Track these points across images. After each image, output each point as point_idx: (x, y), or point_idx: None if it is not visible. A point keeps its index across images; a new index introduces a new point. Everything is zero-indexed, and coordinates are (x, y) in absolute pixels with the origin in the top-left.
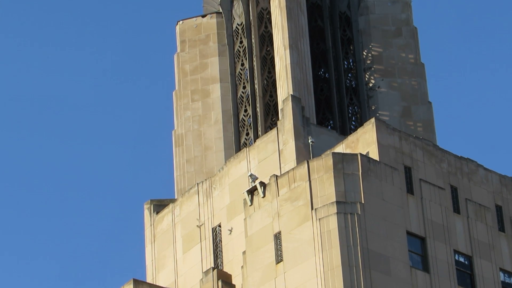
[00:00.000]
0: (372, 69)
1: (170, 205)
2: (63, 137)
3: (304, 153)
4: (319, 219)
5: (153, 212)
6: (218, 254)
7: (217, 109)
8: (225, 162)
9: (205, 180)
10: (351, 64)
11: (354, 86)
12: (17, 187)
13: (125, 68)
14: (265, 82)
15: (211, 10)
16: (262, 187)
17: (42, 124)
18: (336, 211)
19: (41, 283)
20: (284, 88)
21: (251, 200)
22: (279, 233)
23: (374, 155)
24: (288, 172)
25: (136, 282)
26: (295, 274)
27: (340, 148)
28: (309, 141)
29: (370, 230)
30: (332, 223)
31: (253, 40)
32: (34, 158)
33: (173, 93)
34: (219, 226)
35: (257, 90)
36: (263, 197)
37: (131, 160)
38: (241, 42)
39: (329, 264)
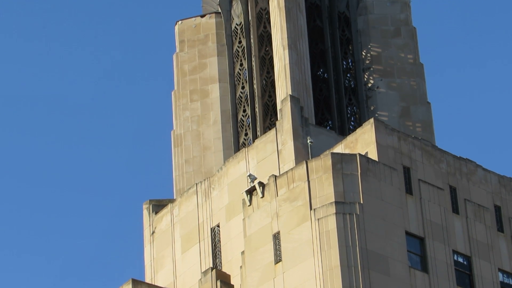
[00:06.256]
0: (371, 69)
1: (169, 205)
2: (62, 137)
3: (303, 153)
4: (318, 219)
5: (152, 212)
6: (217, 254)
7: (216, 109)
8: (224, 162)
9: (204, 180)
10: (350, 64)
11: (353, 86)
12: (16, 186)
13: (124, 68)
14: (264, 82)
15: (210, 10)
16: (261, 187)
17: (41, 124)
18: (335, 212)
19: (40, 282)
20: (283, 88)
21: (250, 200)
22: (278, 233)
23: (373, 155)
24: (287, 172)
25: (134, 282)
26: (294, 274)
27: (339, 149)
28: (308, 141)
29: (369, 230)
30: (331, 223)
31: (252, 40)
32: (33, 157)
33: (172, 93)
34: (218, 226)
35: (256, 90)
36: (262, 197)
37: (130, 160)
38: (240, 42)
39: (328, 264)
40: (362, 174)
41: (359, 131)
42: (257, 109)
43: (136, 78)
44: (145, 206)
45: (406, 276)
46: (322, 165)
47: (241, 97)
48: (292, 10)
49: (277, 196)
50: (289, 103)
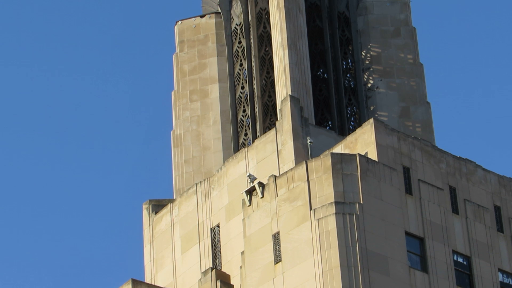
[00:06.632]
0: (371, 69)
1: (169, 205)
2: (62, 137)
3: (303, 154)
4: (318, 219)
5: (152, 212)
6: (216, 254)
7: (216, 109)
8: (224, 162)
9: (204, 180)
10: (350, 64)
11: (352, 86)
12: (16, 186)
13: (123, 68)
14: (264, 82)
15: (210, 10)
16: (260, 188)
17: (41, 124)
18: (334, 212)
19: (40, 282)
20: (282, 89)
21: (250, 201)
22: (278, 233)
23: (373, 155)
24: (286, 172)
25: (134, 282)
26: (294, 275)
27: (339, 149)
28: (308, 141)
29: (369, 230)
30: (331, 223)
31: (251, 41)
32: (33, 157)
33: (172, 93)
34: (218, 226)
35: (255, 91)
36: (261, 197)
37: (130, 160)
38: (239, 42)
39: (327, 264)
40: (362, 174)
41: (358, 131)
42: (256, 109)
43: (136, 78)
44: (144, 206)
45: (406, 276)
46: (322, 165)
47: (241, 97)
48: (292, 10)
49: (277, 196)
50: (289, 103)
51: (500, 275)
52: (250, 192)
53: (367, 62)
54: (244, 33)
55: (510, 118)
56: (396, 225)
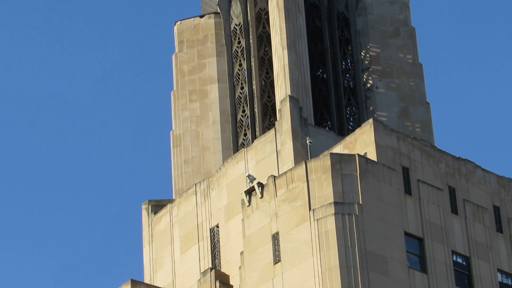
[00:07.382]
0: (370, 69)
1: (168, 206)
2: (62, 137)
3: (302, 154)
4: (317, 219)
5: (151, 212)
6: (216, 254)
7: (215, 109)
8: (223, 162)
9: (203, 180)
10: (349, 64)
11: (352, 86)
12: (16, 186)
13: (123, 68)
14: (263, 82)
15: (209, 10)
16: (260, 188)
17: (41, 124)
18: (334, 212)
19: (39, 283)
20: (282, 89)
21: (249, 201)
22: (277, 233)
23: (372, 155)
24: (286, 172)
25: (134, 282)
26: (293, 275)
27: (338, 149)
28: (307, 141)
29: (368, 230)
30: (330, 223)
31: (251, 41)
32: (33, 157)
33: (171, 93)
34: (217, 226)
35: (255, 91)
36: (261, 197)
37: (129, 160)
38: (239, 42)
39: (327, 264)
40: (361, 174)
41: (358, 131)
42: (256, 110)
43: (135, 78)
44: (144, 207)
45: (405, 277)
46: (321, 165)
47: (240, 98)
48: (291, 10)
49: (276, 196)
50: (288, 104)
51: (499, 275)
52: (250, 192)
53: (366, 62)
54: (243, 33)
55: (509, 118)
56: (396, 226)
